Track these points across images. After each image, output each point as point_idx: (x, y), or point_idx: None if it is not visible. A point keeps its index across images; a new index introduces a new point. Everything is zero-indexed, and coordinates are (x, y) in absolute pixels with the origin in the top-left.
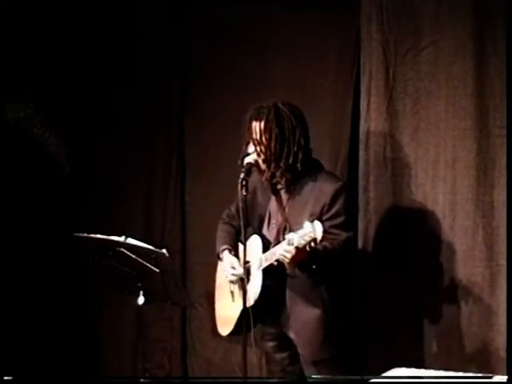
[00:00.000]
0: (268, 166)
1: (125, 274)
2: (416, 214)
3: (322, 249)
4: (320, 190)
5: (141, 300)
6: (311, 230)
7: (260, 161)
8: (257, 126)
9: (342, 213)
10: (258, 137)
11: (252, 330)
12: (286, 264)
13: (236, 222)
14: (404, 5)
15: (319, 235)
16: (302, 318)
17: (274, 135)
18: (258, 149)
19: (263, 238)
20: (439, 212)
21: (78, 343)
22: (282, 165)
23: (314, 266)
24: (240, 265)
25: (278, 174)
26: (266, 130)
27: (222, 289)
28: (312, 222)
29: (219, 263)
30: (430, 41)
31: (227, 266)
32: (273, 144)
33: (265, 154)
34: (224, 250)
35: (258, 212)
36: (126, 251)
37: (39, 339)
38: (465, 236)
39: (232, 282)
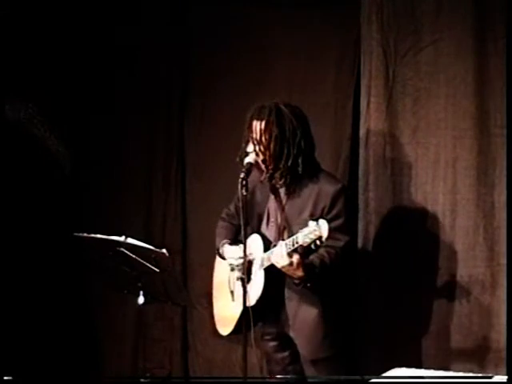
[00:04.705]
0: (266, 167)
1: (125, 273)
2: (416, 214)
3: (320, 263)
4: (320, 192)
5: (141, 300)
6: (316, 229)
7: (259, 161)
8: (257, 126)
9: (341, 215)
10: (258, 136)
11: (252, 329)
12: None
13: (235, 220)
14: (404, 5)
15: (325, 233)
16: (301, 317)
17: (273, 136)
18: (257, 148)
19: (264, 237)
20: (439, 212)
21: (78, 343)
22: (280, 166)
23: (308, 285)
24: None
25: (276, 175)
26: (267, 130)
27: (222, 288)
28: (317, 220)
29: (217, 263)
30: (430, 41)
31: (231, 256)
32: (272, 144)
33: (264, 154)
34: (224, 243)
35: (257, 210)
36: (126, 251)
37: (39, 339)
38: (465, 236)
39: (233, 271)
